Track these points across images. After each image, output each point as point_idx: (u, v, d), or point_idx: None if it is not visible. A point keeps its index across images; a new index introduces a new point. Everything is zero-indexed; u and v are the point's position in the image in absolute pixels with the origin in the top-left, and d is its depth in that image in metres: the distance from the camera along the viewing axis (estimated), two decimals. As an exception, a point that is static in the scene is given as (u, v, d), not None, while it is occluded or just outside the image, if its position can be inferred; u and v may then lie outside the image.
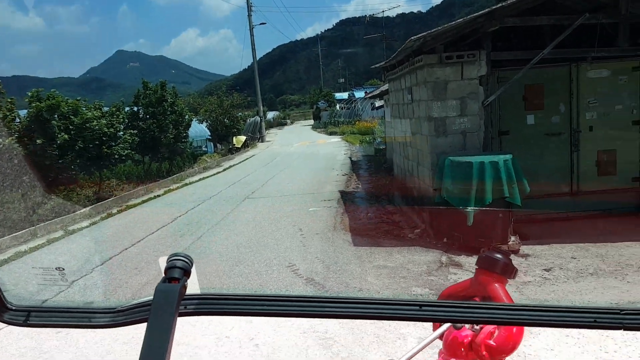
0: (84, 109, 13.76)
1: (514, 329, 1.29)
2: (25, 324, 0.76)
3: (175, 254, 0.78)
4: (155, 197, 14.33)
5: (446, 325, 1.35)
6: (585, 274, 5.61)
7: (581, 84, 7.70)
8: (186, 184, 16.66)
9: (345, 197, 11.56)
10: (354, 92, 53.14)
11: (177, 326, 0.72)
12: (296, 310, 0.74)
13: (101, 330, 0.78)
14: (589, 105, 7.76)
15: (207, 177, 18.44)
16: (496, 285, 1.37)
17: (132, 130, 16.40)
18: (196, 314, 0.76)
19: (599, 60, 7.56)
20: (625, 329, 0.69)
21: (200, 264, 7.10)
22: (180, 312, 0.74)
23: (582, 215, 7.68)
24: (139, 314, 0.74)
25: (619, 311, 0.69)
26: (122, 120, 15.68)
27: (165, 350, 0.67)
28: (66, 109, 13.18)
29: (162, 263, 0.78)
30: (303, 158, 22.69)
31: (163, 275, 0.77)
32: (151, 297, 0.74)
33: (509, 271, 1.37)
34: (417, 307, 0.72)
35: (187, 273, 0.77)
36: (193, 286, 0.78)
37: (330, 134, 37.64)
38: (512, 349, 1.32)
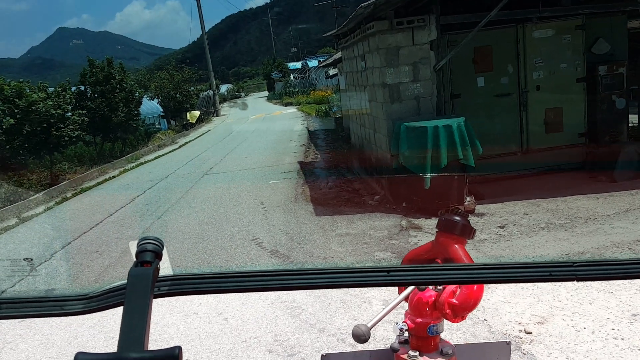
0: (28, 90, 13.20)
1: (475, 286, 1.36)
2: None
3: (146, 237, 0.79)
4: (110, 178, 14.00)
5: (411, 288, 1.41)
6: (537, 229, 5.85)
7: (527, 44, 7.88)
8: (142, 163, 16.30)
9: (305, 168, 11.59)
10: (307, 61, 52.73)
11: None
12: (268, 285, 0.77)
13: (67, 317, 0.79)
14: (535, 65, 7.96)
15: (163, 154, 18.10)
16: (456, 246, 1.43)
17: (80, 111, 15.87)
18: (170, 295, 0.77)
19: (543, 20, 7.72)
20: (578, 279, 0.74)
21: (163, 243, 7.03)
22: (154, 294, 0.75)
23: (533, 173, 7.96)
24: (113, 299, 0.75)
25: (571, 264, 0.74)
26: (69, 100, 15.12)
27: (143, 333, 0.68)
28: (10, 92, 12.61)
29: (133, 247, 0.79)
30: (260, 131, 22.51)
31: (134, 259, 0.77)
32: (123, 282, 0.75)
33: (468, 232, 1.43)
34: (386, 273, 0.75)
35: (158, 256, 0.78)
36: (165, 268, 0.80)
37: (286, 104, 37.35)
38: (473, 305, 1.39)
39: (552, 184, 7.39)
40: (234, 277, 0.77)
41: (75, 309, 0.78)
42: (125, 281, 0.75)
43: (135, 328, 0.69)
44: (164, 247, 0.80)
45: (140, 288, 0.72)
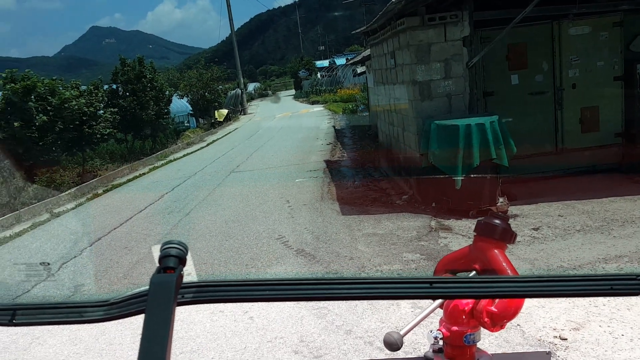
0: (61, 88, 13.47)
1: None
2: (11, 323, 0.72)
3: (169, 242, 0.74)
4: (140, 175, 14.19)
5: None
6: (572, 231, 5.67)
7: (563, 42, 7.66)
8: (171, 161, 16.50)
9: (331, 167, 11.53)
10: (335, 60, 52.64)
11: None
12: (300, 294, 0.71)
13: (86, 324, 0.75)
14: (571, 62, 7.74)
15: (191, 152, 18.28)
16: (495, 251, 1.35)
17: (112, 109, 16.12)
18: (194, 303, 0.72)
19: (580, 17, 7.50)
20: None
21: (190, 240, 7.07)
22: (178, 301, 0.70)
23: (568, 173, 7.74)
24: (135, 306, 0.71)
25: (635, 276, 0.67)
26: (101, 98, 15.40)
27: (165, 343, 0.63)
28: (43, 89, 12.88)
29: (156, 252, 0.74)
30: (286, 129, 22.55)
31: (157, 265, 0.72)
32: (145, 288, 0.71)
33: (508, 236, 1.35)
34: (428, 285, 0.69)
35: (182, 261, 0.73)
36: (189, 274, 0.75)
37: (313, 103, 37.40)
38: (514, 314, 1.31)
39: (587, 185, 7.17)
40: (263, 285, 0.72)
41: (95, 316, 0.74)
42: (147, 287, 0.70)
43: (157, 337, 0.65)
44: (189, 252, 0.75)
45: (162, 296, 0.67)
